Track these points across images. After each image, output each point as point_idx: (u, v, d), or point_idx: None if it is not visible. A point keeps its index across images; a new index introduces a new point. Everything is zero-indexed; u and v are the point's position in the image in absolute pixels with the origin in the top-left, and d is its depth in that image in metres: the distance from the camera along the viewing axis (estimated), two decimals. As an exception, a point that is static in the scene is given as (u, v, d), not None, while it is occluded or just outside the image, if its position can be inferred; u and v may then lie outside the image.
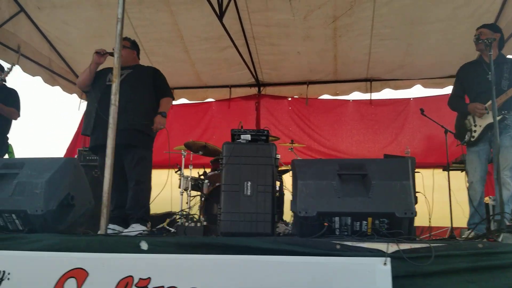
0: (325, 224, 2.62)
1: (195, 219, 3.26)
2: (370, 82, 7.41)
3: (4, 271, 2.60)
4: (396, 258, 2.31)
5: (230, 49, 6.97)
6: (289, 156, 6.31)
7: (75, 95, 8.01)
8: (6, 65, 5.91)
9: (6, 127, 5.00)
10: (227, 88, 7.97)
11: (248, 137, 3.02)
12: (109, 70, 4.50)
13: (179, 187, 6.01)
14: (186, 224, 2.93)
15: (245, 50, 7.06)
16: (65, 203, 2.88)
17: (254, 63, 7.34)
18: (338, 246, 2.39)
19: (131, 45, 4.60)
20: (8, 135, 5.04)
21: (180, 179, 6.05)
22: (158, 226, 4.61)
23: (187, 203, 5.94)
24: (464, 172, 4.69)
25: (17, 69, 6.59)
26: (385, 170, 2.80)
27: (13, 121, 5.07)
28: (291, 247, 2.40)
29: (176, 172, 6.08)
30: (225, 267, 2.39)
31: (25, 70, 6.74)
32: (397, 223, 2.64)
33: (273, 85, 7.85)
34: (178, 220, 4.94)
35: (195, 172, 6.49)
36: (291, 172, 6.12)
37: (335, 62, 6.99)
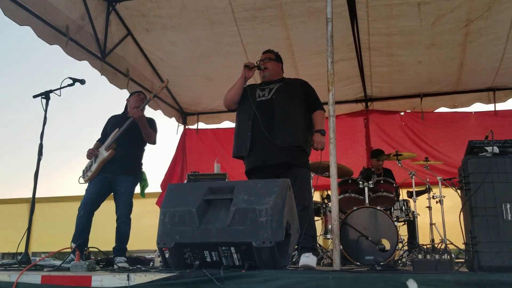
0: None
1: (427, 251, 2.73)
2: (494, 91, 6.81)
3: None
4: None
5: (340, 63, 6.57)
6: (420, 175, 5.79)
7: (173, 119, 7.78)
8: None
9: (141, 152, 4.72)
10: (326, 105, 7.51)
11: (496, 149, 2.52)
12: (255, 86, 4.14)
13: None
14: (428, 256, 2.44)
15: (356, 64, 6.65)
16: (286, 233, 2.44)
17: (364, 77, 6.89)
18: None
19: (276, 57, 4.23)
20: (142, 161, 4.74)
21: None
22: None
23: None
24: None
25: (125, 92, 6.42)
26: None
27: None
28: None
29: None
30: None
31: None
32: None
33: (381, 99, 7.35)
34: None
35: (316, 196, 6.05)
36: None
37: (459, 70, 6.45)
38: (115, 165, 4.45)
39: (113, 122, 4.68)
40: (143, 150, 4.74)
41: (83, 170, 4.59)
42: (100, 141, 4.70)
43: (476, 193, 2.43)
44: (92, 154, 4.55)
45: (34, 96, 3.71)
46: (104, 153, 4.43)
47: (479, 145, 2.61)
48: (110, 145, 4.43)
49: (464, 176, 2.51)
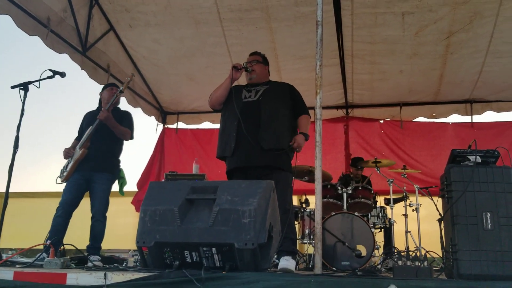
0: None
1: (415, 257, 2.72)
2: (471, 103, 6.95)
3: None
4: None
5: (323, 68, 6.54)
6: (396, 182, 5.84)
7: (153, 118, 7.68)
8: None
9: (118, 149, 4.62)
10: (311, 110, 7.54)
11: (478, 158, 2.54)
12: (241, 87, 4.11)
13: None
14: (409, 263, 2.45)
15: (338, 70, 6.69)
16: (268, 235, 2.41)
17: (346, 83, 6.94)
18: None
19: (263, 60, 4.21)
20: (120, 158, 4.65)
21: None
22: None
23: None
24: None
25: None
26: None
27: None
28: None
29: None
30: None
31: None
32: None
33: (362, 106, 7.41)
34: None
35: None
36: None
37: (439, 81, 6.55)
38: (92, 162, 4.35)
39: (88, 119, 4.58)
40: (120, 147, 4.64)
41: (61, 170, 4.48)
42: (78, 139, 4.59)
43: (457, 202, 2.45)
44: (68, 154, 4.45)
45: (12, 87, 3.59)
46: (78, 152, 4.33)
47: (462, 154, 2.63)
48: (83, 144, 4.33)
49: (447, 184, 2.53)
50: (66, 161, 4.47)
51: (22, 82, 3.62)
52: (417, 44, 5.93)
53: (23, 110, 3.57)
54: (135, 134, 4.69)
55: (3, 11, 4.55)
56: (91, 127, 4.39)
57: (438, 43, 5.86)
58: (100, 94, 4.76)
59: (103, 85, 6.15)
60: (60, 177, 4.39)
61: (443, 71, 6.32)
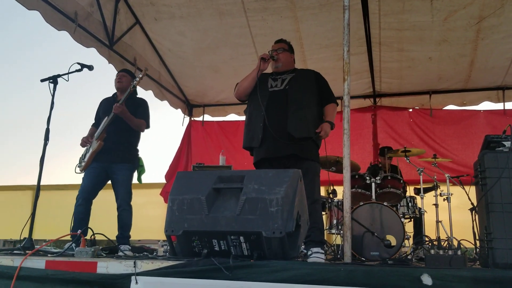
0: None
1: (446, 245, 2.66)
2: (503, 90, 6.73)
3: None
4: None
5: (350, 56, 6.50)
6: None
7: (179, 110, 7.73)
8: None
9: (135, 139, 4.61)
10: (338, 99, 7.45)
11: (512, 144, 2.45)
12: (267, 75, 4.07)
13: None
14: (441, 252, 2.39)
15: (365, 58, 6.57)
16: (296, 224, 2.39)
17: (373, 72, 6.82)
18: None
19: (289, 48, 4.16)
20: (138, 148, 4.65)
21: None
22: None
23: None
24: None
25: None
26: None
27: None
28: None
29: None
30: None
31: (139, 83, 6.47)
32: None
33: (390, 95, 7.28)
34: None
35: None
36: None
37: (470, 68, 6.37)
38: (110, 153, 4.34)
39: (104, 107, 4.55)
40: (137, 137, 4.60)
41: (80, 158, 4.49)
42: (95, 126, 4.60)
43: (492, 188, 2.37)
44: (86, 142, 4.46)
45: (42, 80, 3.66)
46: (94, 144, 4.35)
47: (496, 139, 2.55)
48: (99, 135, 4.32)
49: (481, 171, 2.45)
50: (84, 149, 4.49)
51: (51, 75, 3.68)
52: (446, 30, 5.76)
53: (52, 103, 3.63)
54: (161, 125, 4.79)
55: (33, 7, 4.63)
56: (106, 117, 4.36)
57: (468, 28, 5.68)
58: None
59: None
60: (79, 166, 4.42)
61: (473, 57, 6.14)
